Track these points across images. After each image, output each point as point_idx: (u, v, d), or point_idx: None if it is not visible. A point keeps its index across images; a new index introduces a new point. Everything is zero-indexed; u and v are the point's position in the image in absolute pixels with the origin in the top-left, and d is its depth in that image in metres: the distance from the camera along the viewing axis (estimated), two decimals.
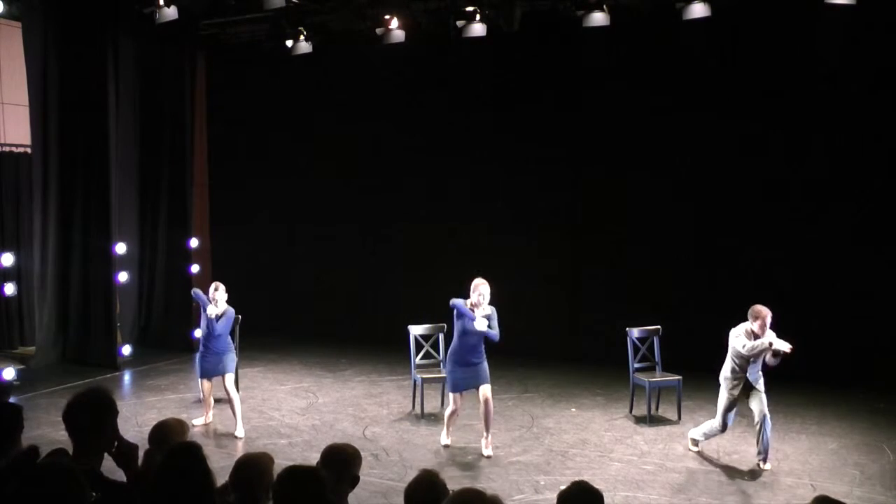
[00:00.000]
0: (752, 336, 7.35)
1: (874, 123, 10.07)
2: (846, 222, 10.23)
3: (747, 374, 7.42)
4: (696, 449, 7.91)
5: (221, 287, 8.81)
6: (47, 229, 11.48)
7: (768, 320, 7.30)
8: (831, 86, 10.21)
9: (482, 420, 7.95)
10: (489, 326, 7.75)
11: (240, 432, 8.44)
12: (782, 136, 10.53)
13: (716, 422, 7.68)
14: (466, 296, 7.87)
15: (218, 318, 8.64)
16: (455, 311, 7.84)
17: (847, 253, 10.17)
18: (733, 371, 7.48)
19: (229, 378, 8.64)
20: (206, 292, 8.84)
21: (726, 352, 7.56)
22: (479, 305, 7.79)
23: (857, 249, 10.14)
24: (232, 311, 8.78)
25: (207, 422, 8.86)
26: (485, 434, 7.98)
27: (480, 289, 7.81)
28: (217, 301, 8.69)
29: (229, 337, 8.83)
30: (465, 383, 7.93)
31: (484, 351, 7.94)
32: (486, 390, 7.89)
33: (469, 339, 7.83)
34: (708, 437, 7.84)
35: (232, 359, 8.77)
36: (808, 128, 10.37)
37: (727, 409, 7.56)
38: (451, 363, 7.97)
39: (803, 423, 8.81)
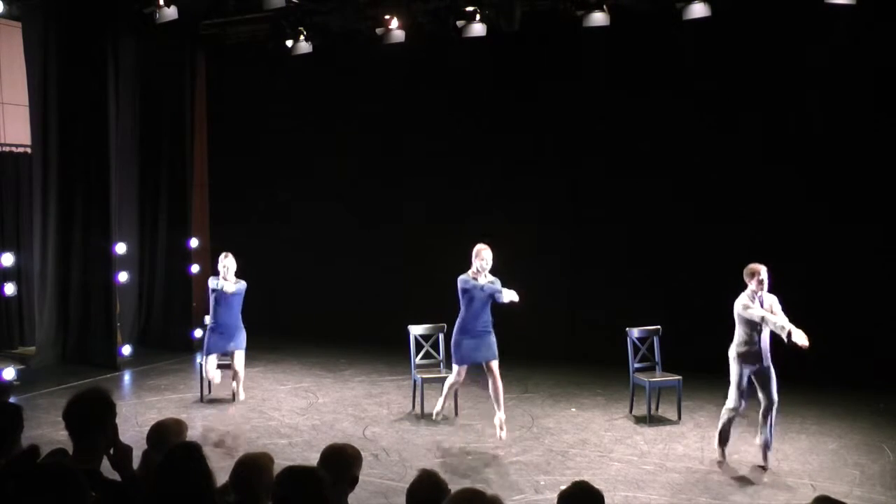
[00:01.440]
0: (753, 296, 7.26)
1: (875, 123, 10.07)
2: (846, 222, 10.22)
3: (759, 346, 7.23)
4: (722, 457, 7.57)
5: (230, 256, 8.64)
6: (47, 229, 11.48)
7: (763, 275, 7.22)
8: (832, 85, 10.20)
9: (493, 397, 8.01)
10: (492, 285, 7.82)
11: (241, 396, 8.53)
12: (783, 136, 10.53)
13: (728, 402, 7.39)
14: (468, 266, 7.95)
15: (224, 291, 8.53)
16: (459, 288, 7.90)
17: (847, 253, 10.17)
18: (743, 342, 7.28)
19: (240, 355, 8.66)
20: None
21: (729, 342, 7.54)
22: (482, 272, 7.84)
23: (858, 249, 10.14)
24: (243, 284, 8.63)
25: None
26: (497, 410, 7.99)
27: (483, 254, 7.85)
28: (227, 269, 8.53)
29: (240, 313, 8.73)
30: (472, 355, 7.95)
31: (491, 322, 7.96)
32: (494, 365, 7.95)
33: (474, 307, 7.86)
34: (728, 427, 7.50)
35: (243, 335, 8.70)
36: (808, 127, 10.37)
37: (738, 385, 7.31)
38: (457, 334, 7.97)
39: (803, 423, 8.81)
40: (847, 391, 9.71)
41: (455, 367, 8.09)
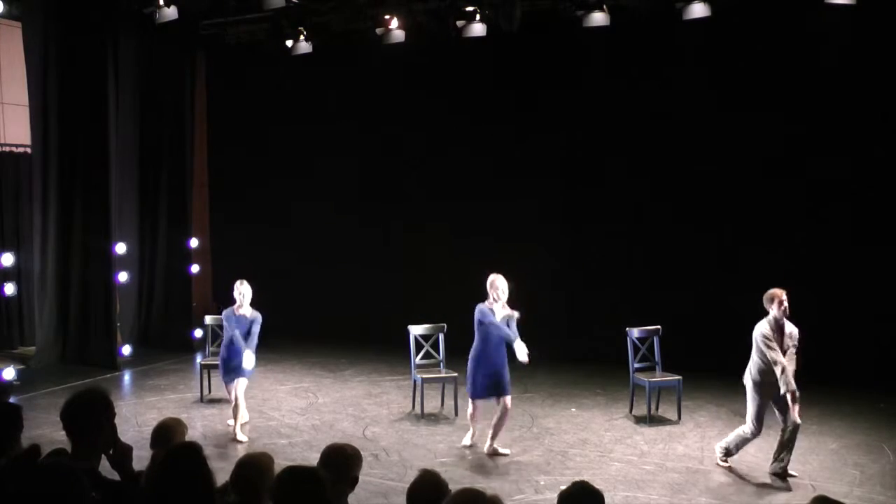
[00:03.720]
0: (775, 324, 7.00)
1: (875, 122, 10.07)
2: (846, 222, 10.22)
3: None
4: (726, 464, 7.43)
5: (246, 283, 8.45)
6: (47, 229, 11.49)
7: (784, 300, 6.96)
8: (832, 85, 10.20)
9: (493, 426, 7.87)
10: (508, 326, 7.61)
11: (241, 437, 8.37)
12: (783, 135, 10.53)
13: (747, 427, 7.24)
14: (483, 296, 7.74)
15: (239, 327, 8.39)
16: (476, 319, 7.71)
17: (847, 253, 10.17)
18: (761, 371, 7.06)
19: (243, 383, 8.54)
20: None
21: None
22: (499, 301, 7.66)
23: (858, 249, 10.14)
24: (259, 316, 8.45)
25: (242, 421, 8.62)
26: (489, 440, 7.90)
27: (496, 283, 7.67)
28: (244, 296, 8.46)
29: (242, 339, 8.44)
30: (487, 391, 7.80)
31: (506, 356, 7.78)
32: (507, 400, 7.81)
33: (492, 341, 7.69)
34: (739, 447, 7.38)
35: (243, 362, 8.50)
36: (808, 126, 10.37)
37: (758, 415, 7.15)
38: (473, 366, 7.76)
39: (803, 423, 8.77)
40: (847, 391, 9.70)
41: (470, 401, 7.90)
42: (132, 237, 12.61)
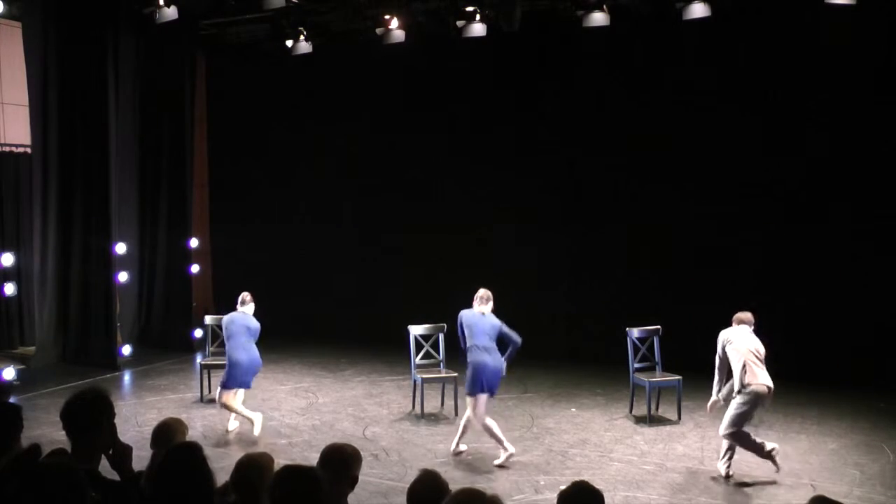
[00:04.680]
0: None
1: (875, 122, 10.07)
2: (846, 221, 10.22)
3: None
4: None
5: (248, 296, 8.71)
6: (47, 229, 11.49)
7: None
8: (831, 85, 10.20)
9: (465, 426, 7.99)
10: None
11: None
12: (782, 135, 10.53)
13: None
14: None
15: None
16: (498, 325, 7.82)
17: (847, 252, 10.17)
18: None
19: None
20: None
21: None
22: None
23: (857, 249, 10.14)
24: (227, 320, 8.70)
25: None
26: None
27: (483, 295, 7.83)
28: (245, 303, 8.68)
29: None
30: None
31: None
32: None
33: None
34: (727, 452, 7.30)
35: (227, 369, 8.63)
36: (808, 126, 10.37)
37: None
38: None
39: (803, 423, 8.80)
40: (847, 391, 9.70)
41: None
42: (132, 237, 12.60)
